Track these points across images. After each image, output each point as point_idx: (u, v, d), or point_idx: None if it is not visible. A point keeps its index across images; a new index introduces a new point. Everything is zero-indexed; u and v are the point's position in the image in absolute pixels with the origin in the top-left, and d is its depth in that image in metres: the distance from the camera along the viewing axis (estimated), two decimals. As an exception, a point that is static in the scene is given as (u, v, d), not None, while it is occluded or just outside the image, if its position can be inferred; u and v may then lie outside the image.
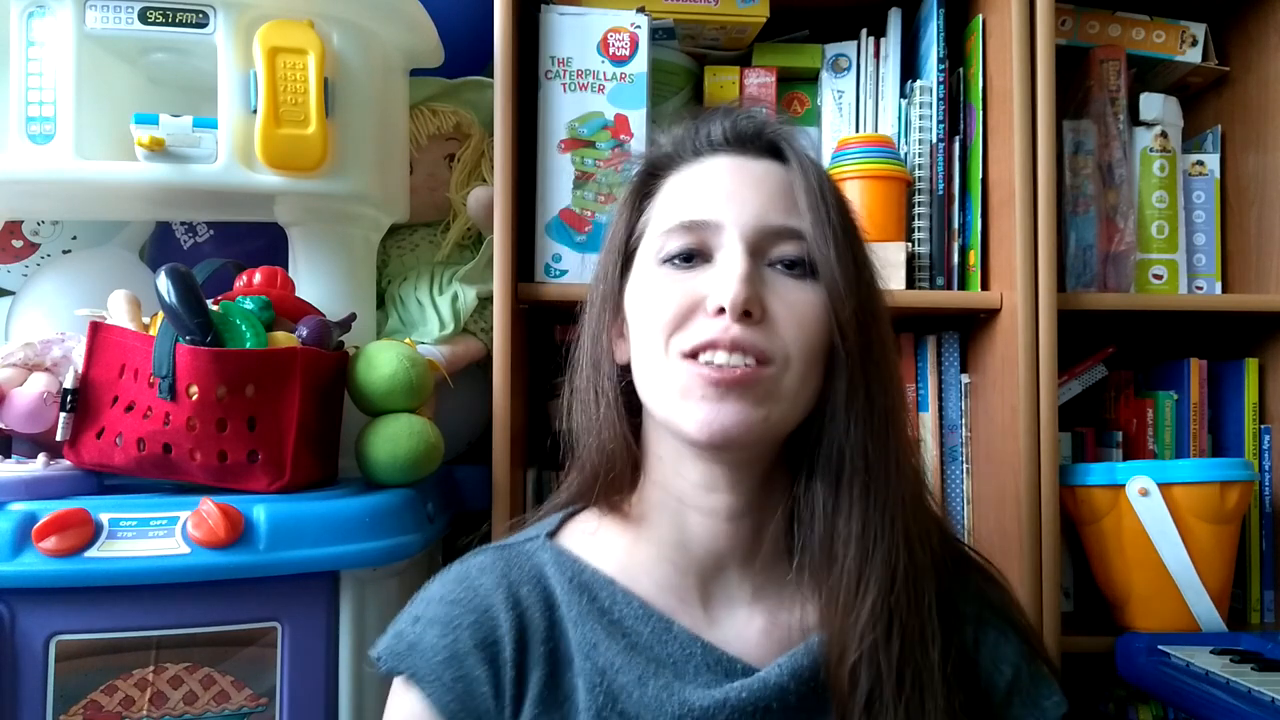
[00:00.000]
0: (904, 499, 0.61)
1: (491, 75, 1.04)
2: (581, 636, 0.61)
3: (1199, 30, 1.22)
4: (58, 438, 0.82)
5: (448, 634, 0.61)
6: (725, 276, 0.57)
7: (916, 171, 1.14)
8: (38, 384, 0.88)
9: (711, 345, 0.57)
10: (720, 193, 0.61)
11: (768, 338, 0.57)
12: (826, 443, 0.60)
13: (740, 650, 0.62)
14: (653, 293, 0.61)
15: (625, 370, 0.64)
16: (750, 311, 0.57)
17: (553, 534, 0.68)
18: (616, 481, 0.65)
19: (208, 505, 0.75)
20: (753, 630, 0.63)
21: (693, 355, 0.57)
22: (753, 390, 0.57)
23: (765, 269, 0.59)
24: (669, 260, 0.60)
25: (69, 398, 0.81)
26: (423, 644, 0.61)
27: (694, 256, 0.60)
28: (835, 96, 1.20)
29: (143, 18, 0.89)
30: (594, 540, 0.66)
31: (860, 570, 0.59)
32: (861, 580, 0.58)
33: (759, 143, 0.64)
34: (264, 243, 1.08)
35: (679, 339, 0.58)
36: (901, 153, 1.15)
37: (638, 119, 1.05)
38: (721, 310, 0.56)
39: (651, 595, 0.63)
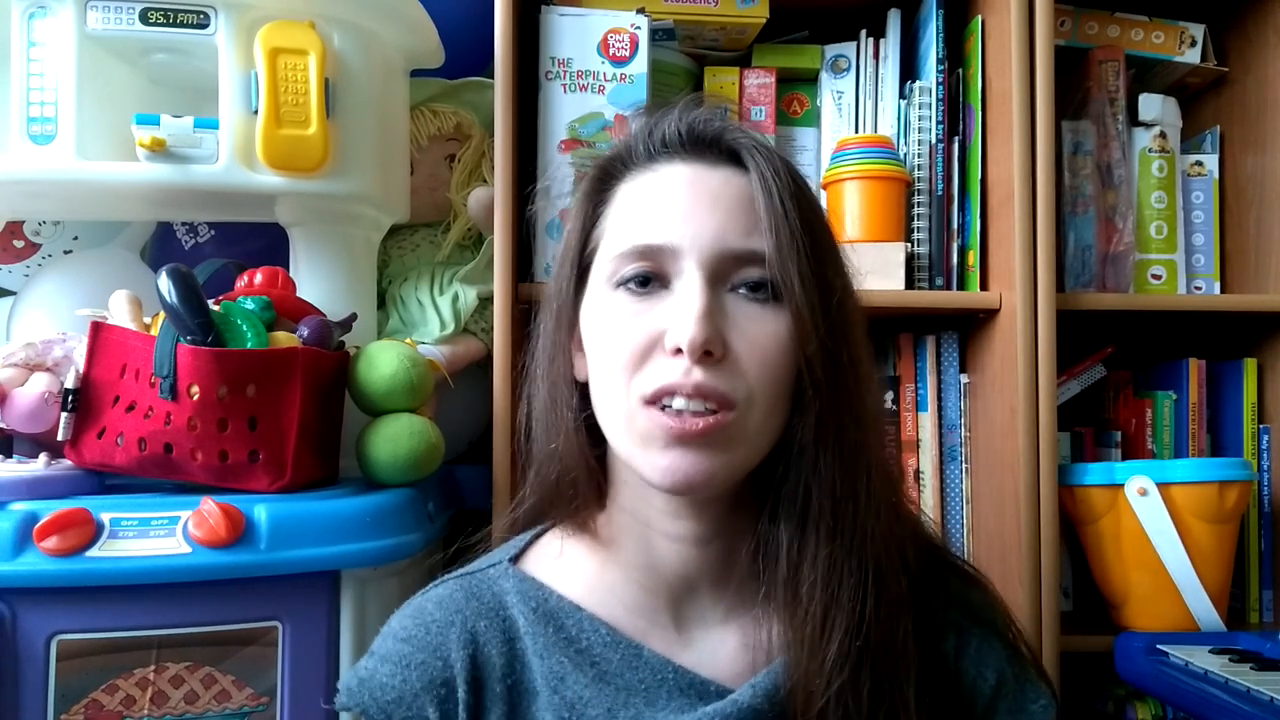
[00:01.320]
0: (874, 533, 0.57)
1: (492, 76, 1.04)
2: (548, 669, 0.59)
3: (1198, 31, 1.22)
4: (59, 438, 0.82)
5: (398, 673, 0.60)
6: (683, 313, 0.53)
7: (916, 172, 1.14)
8: (39, 384, 0.88)
9: (671, 391, 0.53)
10: (676, 211, 0.57)
11: (730, 378, 0.54)
12: (793, 480, 0.57)
13: (713, 671, 0.60)
14: (609, 325, 0.57)
15: (585, 388, 0.61)
16: (711, 350, 0.53)
17: (516, 558, 0.65)
18: (581, 505, 0.62)
19: (209, 505, 0.76)
20: (726, 650, 0.61)
21: (654, 399, 0.54)
22: (716, 438, 0.54)
23: (726, 295, 0.56)
24: (624, 284, 0.57)
25: (70, 398, 0.81)
26: (374, 681, 0.60)
27: (650, 280, 0.56)
28: (835, 97, 1.20)
29: (144, 18, 0.89)
30: (559, 563, 0.64)
31: (825, 613, 0.56)
32: (826, 623, 0.56)
33: (718, 149, 0.60)
34: (265, 243, 1.09)
35: (638, 381, 0.55)
36: (901, 153, 1.15)
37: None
38: (680, 350, 0.53)
39: (620, 619, 0.61)
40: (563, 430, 0.61)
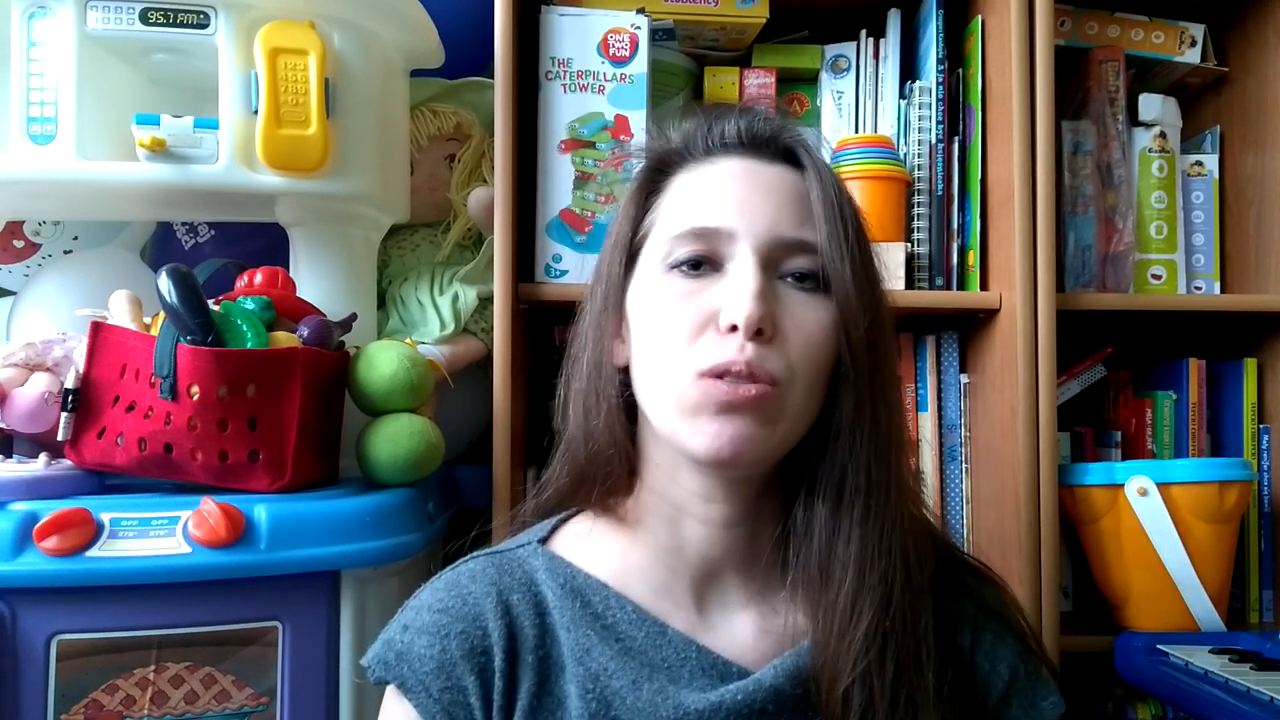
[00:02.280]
0: (902, 519, 0.60)
1: (492, 76, 1.04)
2: (574, 642, 0.60)
3: (1198, 31, 1.22)
4: (59, 438, 0.82)
5: (436, 643, 0.60)
6: (738, 292, 0.56)
7: (916, 172, 1.14)
8: (39, 384, 0.88)
9: (726, 371, 0.55)
10: (732, 199, 0.59)
11: (779, 358, 0.56)
12: (829, 462, 0.59)
13: (735, 654, 0.61)
14: (661, 304, 0.59)
15: (623, 373, 0.63)
16: (763, 329, 0.55)
17: (545, 539, 0.67)
18: (611, 486, 0.64)
19: (209, 505, 0.76)
20: (748, 633, 0.62)
21: (707, 374, 0.56)
22: (761, 409, 0.56)
23: (776, 282, 0.58)
24: (677, 267, 0.59)
25: (70, 398, 0.81)
26: (411, 653, 0.60)
27: (703, 264, 0.58)
28: (835, 97, 1.20)
29: (144, 18, 0.89)
30: (587, 544, 0.65)
31: (856, 594, 0.58)
32: (857, 604, 0.58)
33: (774, 147, 0.62)
34: (265, 243, 1.09)
35: (692, 356, 0.57)
36: (901, 153, 1.15)
37: (638, 120, 1.05)
38: (734, 328, 0.55)
39: (646, 599, 0.62)
40: (603, 408, 0.62)
